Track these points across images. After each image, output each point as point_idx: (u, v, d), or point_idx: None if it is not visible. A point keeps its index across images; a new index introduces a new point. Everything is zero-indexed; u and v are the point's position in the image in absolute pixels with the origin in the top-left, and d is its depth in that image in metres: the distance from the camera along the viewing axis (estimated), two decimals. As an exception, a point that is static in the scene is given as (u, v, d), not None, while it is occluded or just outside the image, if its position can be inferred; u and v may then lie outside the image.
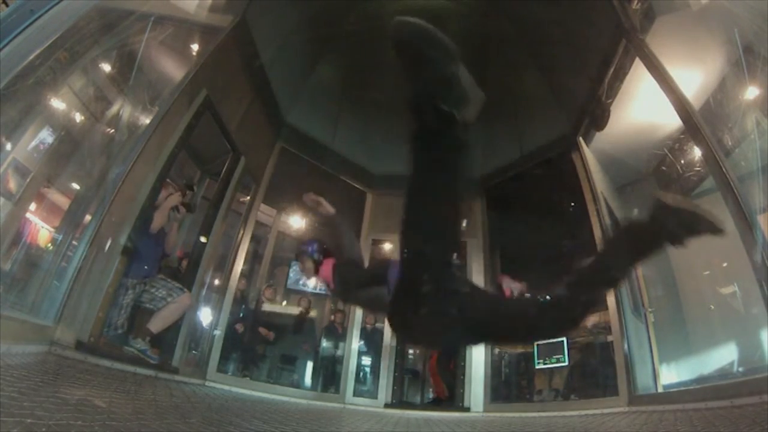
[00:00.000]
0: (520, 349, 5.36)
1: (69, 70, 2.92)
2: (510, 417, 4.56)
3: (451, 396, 5.28)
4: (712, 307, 3.98)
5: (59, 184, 3.58)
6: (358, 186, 6.32)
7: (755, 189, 2.78)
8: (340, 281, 2.02)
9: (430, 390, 5.80)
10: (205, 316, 4.82)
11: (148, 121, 3.51)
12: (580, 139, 4.99)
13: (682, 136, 4.18)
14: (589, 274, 1.50)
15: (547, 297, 1.46)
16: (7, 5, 2.46)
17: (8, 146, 2.85)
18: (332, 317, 5.95)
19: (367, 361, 5.67)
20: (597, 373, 4.40)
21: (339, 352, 5.57)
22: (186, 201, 4.08)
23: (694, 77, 3.52)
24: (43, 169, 3.37)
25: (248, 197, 5.40)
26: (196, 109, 3.92)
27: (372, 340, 5.63)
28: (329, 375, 5.52)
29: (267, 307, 5.99)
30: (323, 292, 6.63)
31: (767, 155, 2.86)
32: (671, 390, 3.88)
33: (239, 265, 5.11)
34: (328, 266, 2.09)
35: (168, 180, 3.84)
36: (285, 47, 5.23)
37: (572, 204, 5.34)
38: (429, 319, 1.45)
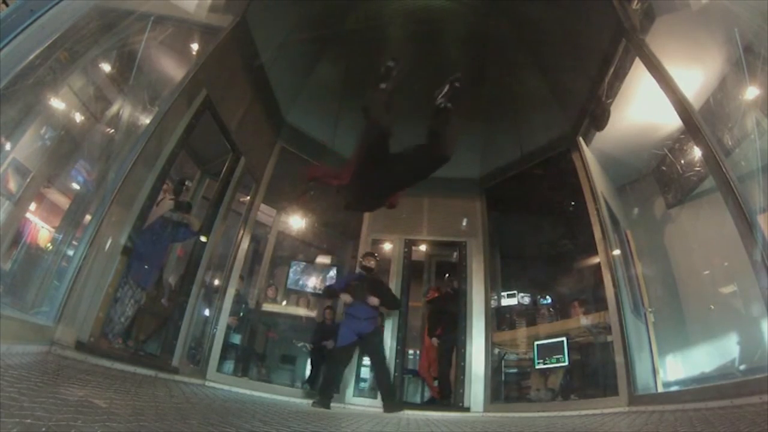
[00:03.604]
0: (520, 350, 5.37)
1: (69, 70, 2.93)
2: (510, 417, 4.56)
3: (445, 395, 5.30)
4: (712, 306, 3.97)
5: (59, 184, 3.58)
6: (357, 186, 6.32)
7: (755, 189, 2.78)
8: None
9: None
10: (205, 316, 4.82)
11: (148, 121, 3.51)
12: (580, 138, 4.99)
13: (682, 136, 4.18)
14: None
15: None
16: (7, 5, 2.46)
17: (8, 146, 2.86)
18: (324, 315, 5.97)
19: (367, 361, 5.68)
20: (597, 373, 4.40)
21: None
22: (180, 200, 4.09)
23: (694, 77, 3.52)
24: (43, 169, 3.37)
25: (248, 197, 5.40)
26: (196, 109, 3.92)
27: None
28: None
29: (268, 307, 6.00)
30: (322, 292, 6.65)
31: (767, 155, 2.86)
32: (671, 390, 3.88)
33: (239, 265, 5.11)
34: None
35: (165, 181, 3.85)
36: (285, 47, 5.23)
37: (572, 204, 5.35)
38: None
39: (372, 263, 5.02)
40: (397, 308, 5.33)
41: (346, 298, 4.72)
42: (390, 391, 4.57)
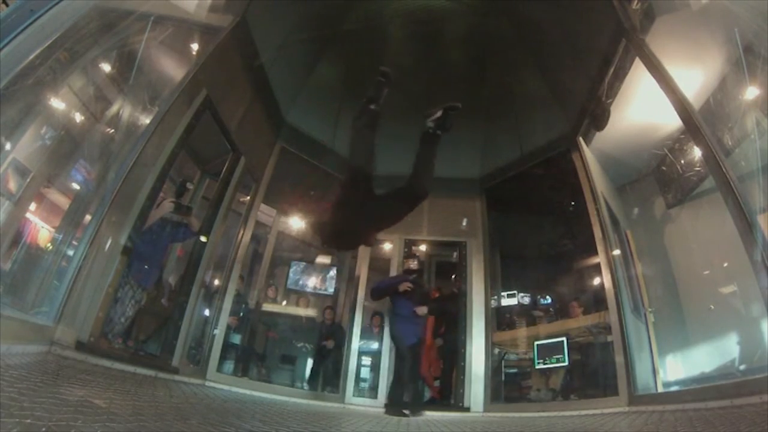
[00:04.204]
0: (520, 350, 5.37)
1: (69, 70, 2.93)
2: (510, 417, 4.56)
3: (445, 395, 5.30)
4: (712, 307, 3.97)
5: (59, 184, 3.58)
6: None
7: (755, 189, 2.78)
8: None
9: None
10: (205, 316, 4.82)
11: (148, 121, 3.51)
12: (580, 139, 4.99)
13: (682, 136, 4.18)
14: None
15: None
16: (7, 5, 2.46)
17: (8, 146, 2.86)
18: (324, 315, 5.96)
19: (367, 361, 5.68)
20: (597, 373, 4.40)
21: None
22: (180, 203, 4.08)
23: (694, 77, 3.52)
24: (43, 169, 3.37)
25: (248, 197, 5.40)
26: (196, 109, 3.92)
27: (372, 340, 5.64)
28: (329, 375, 5.53)
29: (268, 307, 5.99)
30: (322, 292, 6.63)
31: (767, 155, 2.86)
32: (671, 390, 3.88)
33: (239, 265, 5.11)
34: None
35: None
36: (285, 47, 5.23)
37: (572, 204, 5.35)
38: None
39: (415, 265, 4.94)
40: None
41: (405, 286, 4.52)
42: (400, 398, 4.47)
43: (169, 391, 2.96)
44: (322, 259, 7.18)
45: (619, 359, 3.93)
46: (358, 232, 2.83)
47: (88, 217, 3.13)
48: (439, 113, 2.47)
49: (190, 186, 4.72)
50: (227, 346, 4.95)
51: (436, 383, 5.68)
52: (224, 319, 4.80)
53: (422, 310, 4.55)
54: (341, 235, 2.81)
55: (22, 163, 3.19)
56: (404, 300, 4.57)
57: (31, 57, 2.28)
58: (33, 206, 3.56)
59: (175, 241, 4.45)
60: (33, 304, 2.83)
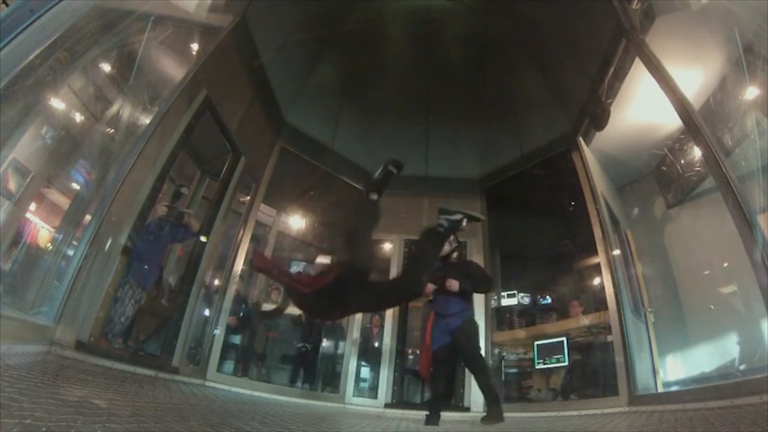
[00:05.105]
0: (520, 350, 5.37)
1: (69, 70, 2.93)
2: (510, 417, 4.54)
3: (448, 395, 5.27)
4: (712, 307, 3.97)
5: (59, 184, 3.58)
6: (358, 186, 6.32)
7: (755, 189, 2.78)
8: None
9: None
10: (205, 316, 4.82)
11: (148, 121, 3.51)
12: (580, 139, 4.99)
13: (682, 136, 4.18)
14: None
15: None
16: (7, 5, 2.46)
17: (8, 146, 2.85)
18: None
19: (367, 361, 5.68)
20: (597, 373, 4.40)
21: (339, 352, 5.60)
22: (172, 206, 4.08)
23: (694, 77, 3.52)
24: (43, 169, 3.37)
25: (248, 197, 5.40)
26: (196, 109, 3.93)
27: (372, 340, 5.64)
28: (330, 375, 5.53)
29: (268, 306, 5.98)
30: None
31: (767, 155, 2.86)
32: (671, 390, 3.88)
33: (239, 265, 5.11)
34: None
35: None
36: (285, 47, 5.23)
37: (572, 204, 5.35)
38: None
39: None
40: (488, 291, 4.65)
41: (429, 288, 3.74)
42: (495, 395, 3.68)
43: (169, 391, 2.96)
44: (322, 259, 7.17)
45: (619, 359, 3.93)
46: (341, 313, 2.87)
47: (88, 217, 3.13)
48: (459, 217, 2.42)
49: (185, 191, 4.70)
50: (227, 346, 4.95)
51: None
52: (224, 319, 4.80)
53: (451, 284, 3.70)
54: (320, 307, 2.67)
55: (22, 163, 3.19)
56: (437, 294, 3.88)
57: (31, 57, 2.28)
58: (33, 206, 3.56)
59: (175, 241, 4.45)
60: (33, 304, 2.83)
